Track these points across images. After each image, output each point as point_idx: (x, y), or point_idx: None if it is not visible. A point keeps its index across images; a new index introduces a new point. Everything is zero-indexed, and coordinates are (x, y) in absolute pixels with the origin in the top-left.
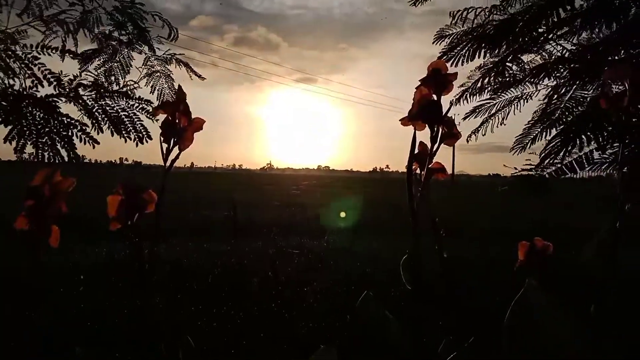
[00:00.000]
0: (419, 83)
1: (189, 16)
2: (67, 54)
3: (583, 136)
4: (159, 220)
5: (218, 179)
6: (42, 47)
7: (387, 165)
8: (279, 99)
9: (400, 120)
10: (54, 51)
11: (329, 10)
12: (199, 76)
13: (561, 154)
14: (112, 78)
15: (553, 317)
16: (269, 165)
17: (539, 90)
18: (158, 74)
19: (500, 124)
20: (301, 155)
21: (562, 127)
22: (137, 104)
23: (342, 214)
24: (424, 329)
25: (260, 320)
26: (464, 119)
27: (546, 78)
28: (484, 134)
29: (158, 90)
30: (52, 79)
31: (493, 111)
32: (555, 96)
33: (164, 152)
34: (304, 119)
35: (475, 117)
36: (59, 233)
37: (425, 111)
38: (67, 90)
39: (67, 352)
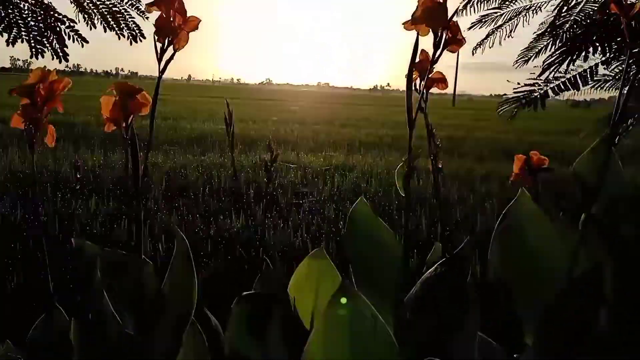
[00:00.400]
0: None
1: None
2: None
3: (589, 44)
4: (152, 123)
5: (216, 92)
6: None
7: (388, 84)
8: (275, 8)
9: (403, 24)
10: None
11: None
12: None
13: (565, 63)
14: None
15: (542, 227)
16: (268, 81)
17: (549, 1)
18: None
19: (508, 37)
20: (301, 71)
21: (568, 37)
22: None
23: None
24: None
25: (255, 230)
26: (470, 28)
27: None
28: (491, 46)
29: None
30: None
31: (500, 22)
32: (565, 8)
33: (158, 51)
34: (305, 31)
35: (481, 27)
36: (54, 132)
37: (429, 14)
38: None
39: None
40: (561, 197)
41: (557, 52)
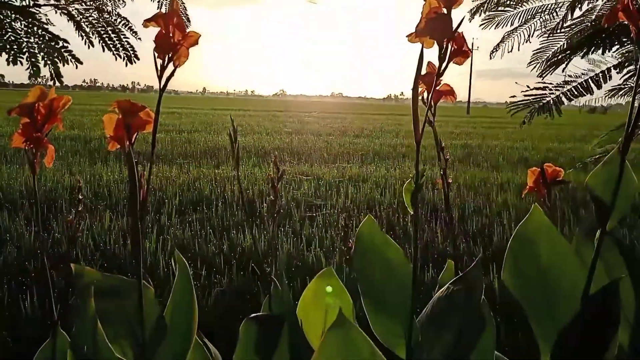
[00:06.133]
0: None
1: None
2: None
3: (600, 41)
4: (154, 139)
5: (230, 104)
6: None
7: (402, 93)
8: (286, 21)
9: (407, 36)
10: None
11: None
12: None
13: (579, 53)
14: None
15: (556, 245)
16: (282, 92)
17: (564, 3)
18: None
19: (526, 41)
20: (314, 82)
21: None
22: (119, 19)
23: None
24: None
25: (267, 245)
26: (481, 26)
27: None
28: (510, 51)
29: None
30: None
31: (516, 24)
32: (579, 5)
33: (159, 68)
34: (315, 42)
35: (496, 28)
36: (53, 152)
37: (433, 26)
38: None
39: None
40: (576, 211)
41: (560, 53)
